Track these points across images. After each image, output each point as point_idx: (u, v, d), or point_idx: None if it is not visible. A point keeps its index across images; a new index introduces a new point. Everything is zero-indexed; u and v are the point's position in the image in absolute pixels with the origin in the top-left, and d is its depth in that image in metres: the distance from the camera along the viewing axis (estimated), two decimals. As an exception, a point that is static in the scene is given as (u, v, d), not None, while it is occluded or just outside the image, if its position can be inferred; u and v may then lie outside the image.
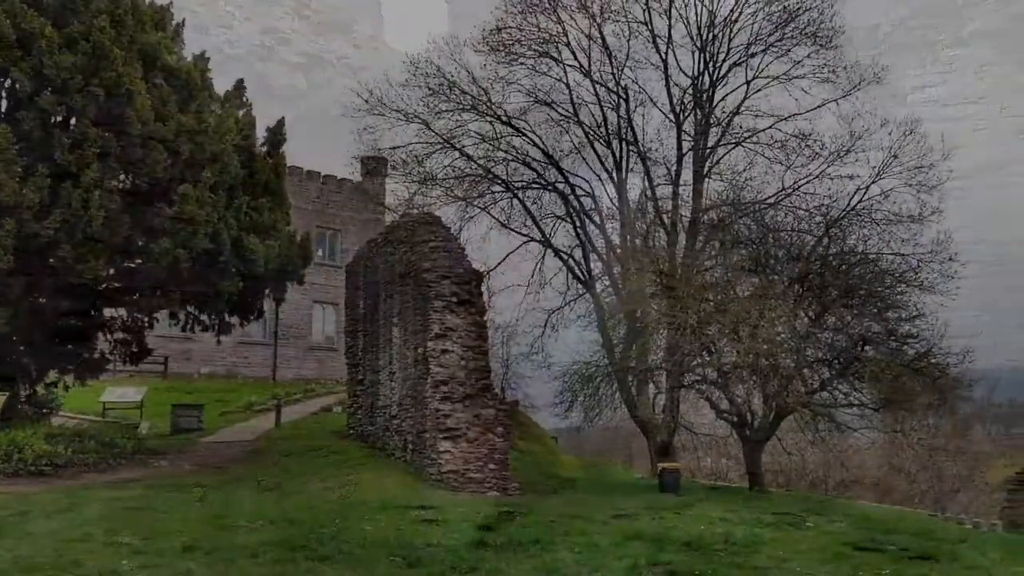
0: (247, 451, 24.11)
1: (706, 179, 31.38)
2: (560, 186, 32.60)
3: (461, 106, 31.86)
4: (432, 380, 20.17)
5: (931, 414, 30.27)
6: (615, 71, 31.49)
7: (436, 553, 10.15)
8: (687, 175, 31.33)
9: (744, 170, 31.28)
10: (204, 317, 25.20)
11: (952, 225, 26.81)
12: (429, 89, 31.57)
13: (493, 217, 33.08)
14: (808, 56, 29.91)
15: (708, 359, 26.07)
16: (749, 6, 29.93)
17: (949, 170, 27.68)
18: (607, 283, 32.14)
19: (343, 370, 29.04)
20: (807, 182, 29.81)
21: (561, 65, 31.86)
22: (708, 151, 31.34)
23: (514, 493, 19.40)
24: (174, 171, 21.51)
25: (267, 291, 25.35)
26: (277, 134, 25.78)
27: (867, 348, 25.11)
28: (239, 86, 25.25)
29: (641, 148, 31.93)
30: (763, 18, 30.01)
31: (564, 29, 31.33)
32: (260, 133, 25.36)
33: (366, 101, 31.86)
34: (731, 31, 30.29)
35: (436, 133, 32.02)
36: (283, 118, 25.99)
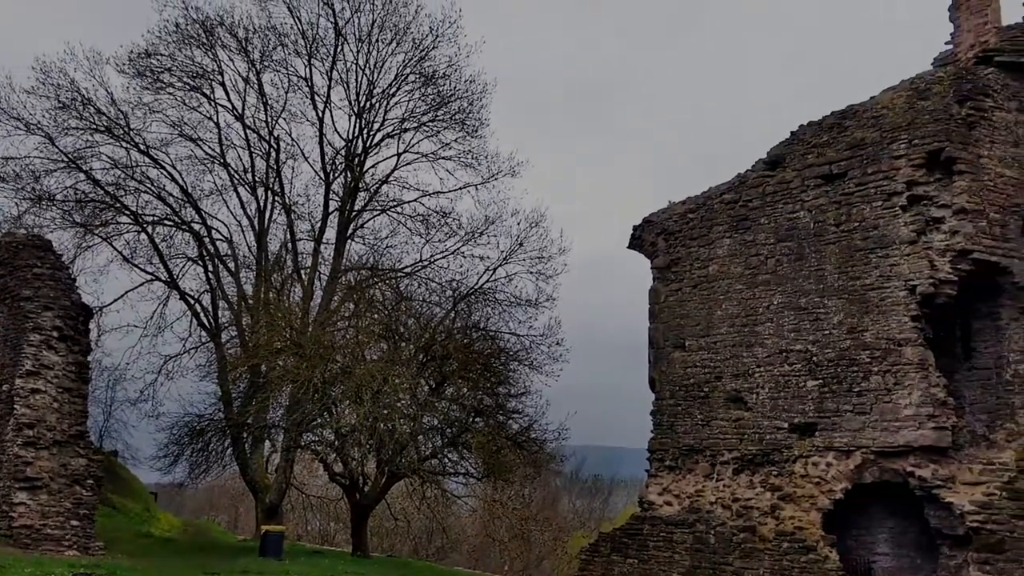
0: None
1: (349, 241, 31.75)
2: (196, 227, 31.04)
3: (94, 126, 29.29)
4: (16, 422, 17.88)
5: (527, 485, 32.82)
6: (269, 119, 31.04)
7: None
8: (331, 234, 31.47)
9: (386, 237, 32.20)
10: None
11: (564, 311, 29.85)
12: (59, 101, 28.72)
13: (115, 250, 30.52)
14: (455, 140, 31.78)
15: (328, 420, 26.08)
16: (407, 83, 31.20)
17: (565, 263, 30.70)
18: (234, 333, 30.94)
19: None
20: (443, 257, 31.35)
21: (213, 103, 30.75)
22: (354, 214, 31.80)
23: (97, 553, 17.65)
24: None
25: None
26: None
27: (478, 420, 26.73)
28: None
29: (287, 200, 31.57)
30: (419, 97, 31.41)
31: (220, 68, 30.36)
32: None
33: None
34: (388, 104, 31.32)
35: (60, 150, 29.05)
36: None
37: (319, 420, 26.25)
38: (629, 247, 20.92)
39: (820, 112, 17.53)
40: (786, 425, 16.85)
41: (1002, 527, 14.42)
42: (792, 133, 17.82)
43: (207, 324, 31.04)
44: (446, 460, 27.64)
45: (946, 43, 17.34)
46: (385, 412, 24.06)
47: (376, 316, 28.02)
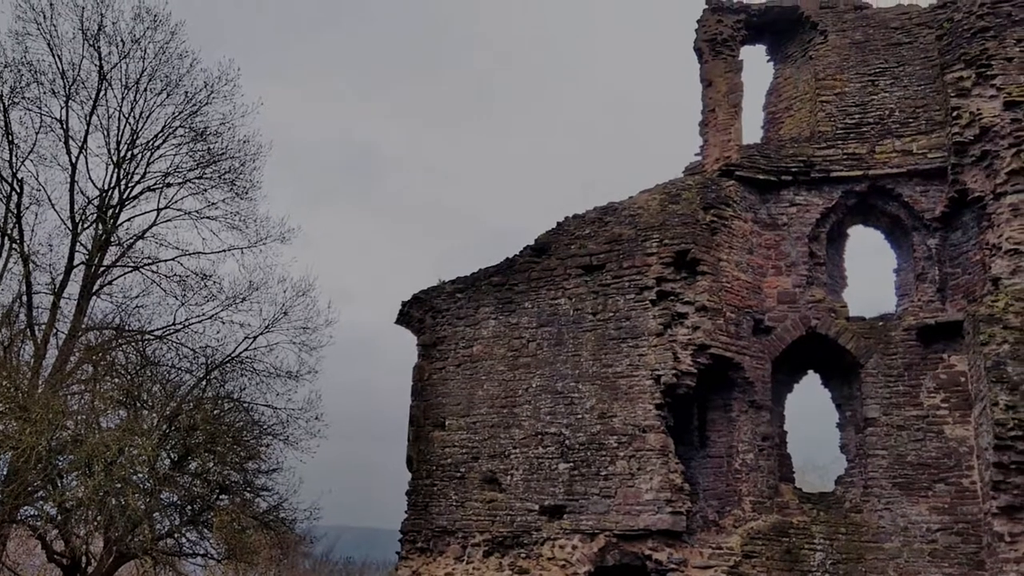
0: None
1: (94, 297, 29.34)
2: (-88, 270, 27.60)
3: None
4: None
5: (272, 568, 31.17)
6: (14, 160, 28.31)
7: None
8: (73, 288, 28.94)
9: (137, 296, 30.06)
10: None
11: (325, 385, 29.19)
12: None
13: None
14: (223, 200, 30.49)
15: (52, 492, 23.59)
16: (175, 137, 29.73)
17: (331, 335, 30.02)
18: (-54, 392, 27.46)
19: None
20: (199, 321, 29.58)
21: (-50, 138, 27.78)
22: (102, 269, 29.53)
23: None
24: None
25: None
26: None
27: (223, 497, 25.15)
28: None
29: (26, 249, 28.79)
30: (186, 152, 29.93)
31: (-37, 101, 27.61)
32: None
33: None
34: (151, 156, 29.64)
35: None
36: None
37: (41, 492, 23.66)
38: (397, 322, 20.81)
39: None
40: (537, 507, 17.11)
41: (728, 608, 15.31)
42: (558, 223, 18.63)
43: (-87, 380, 27.43)
44: (184, 540, 25.69)
45: (695, 154, 19.04)
46: (118, 485, 22.05)
47: (117, 380, 25.90)
